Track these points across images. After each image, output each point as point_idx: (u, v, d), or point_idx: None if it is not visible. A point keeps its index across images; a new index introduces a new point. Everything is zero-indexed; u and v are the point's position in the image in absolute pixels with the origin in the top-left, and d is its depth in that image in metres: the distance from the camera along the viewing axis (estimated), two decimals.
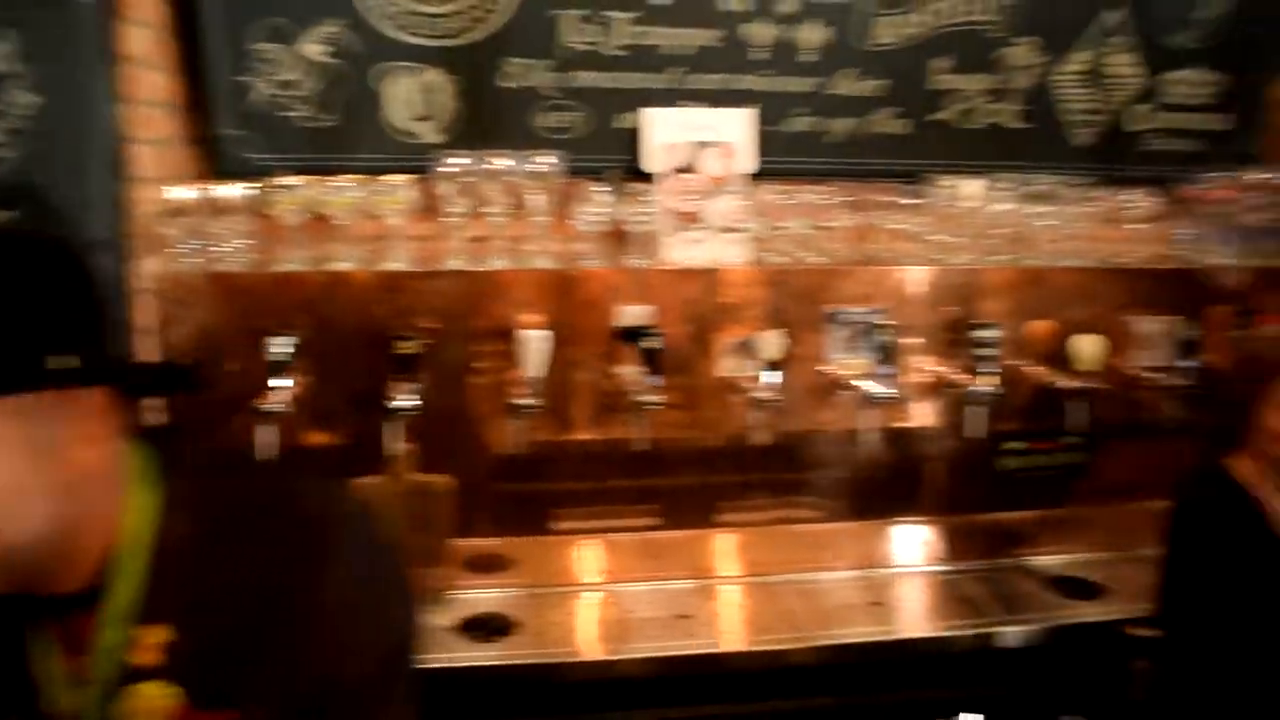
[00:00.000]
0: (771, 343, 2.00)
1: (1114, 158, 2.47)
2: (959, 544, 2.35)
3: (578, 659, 1.90)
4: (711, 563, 2.28)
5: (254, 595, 0.92)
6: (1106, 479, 2.40)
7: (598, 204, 2.11)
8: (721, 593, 2.18)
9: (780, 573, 2.24)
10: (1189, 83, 2.45)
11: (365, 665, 0.94)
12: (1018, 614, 2.10)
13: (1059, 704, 2.04)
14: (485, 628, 1.96)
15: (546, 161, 2.06)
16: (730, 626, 2.04)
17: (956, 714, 2.03)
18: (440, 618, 1.98)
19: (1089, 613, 2.13)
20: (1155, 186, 2.46)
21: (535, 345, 2.05)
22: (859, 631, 2.01)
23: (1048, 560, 2.36)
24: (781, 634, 1.98)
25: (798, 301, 2.21)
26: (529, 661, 1.87)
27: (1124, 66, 2.40)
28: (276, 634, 0.92)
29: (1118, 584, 2.24)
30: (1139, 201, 2.40)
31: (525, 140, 2.18)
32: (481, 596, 2.09)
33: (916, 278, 2.26)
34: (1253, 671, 1.60)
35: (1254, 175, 2.36)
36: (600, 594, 2.16)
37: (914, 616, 2.11)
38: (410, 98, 2.16)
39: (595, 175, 2.15)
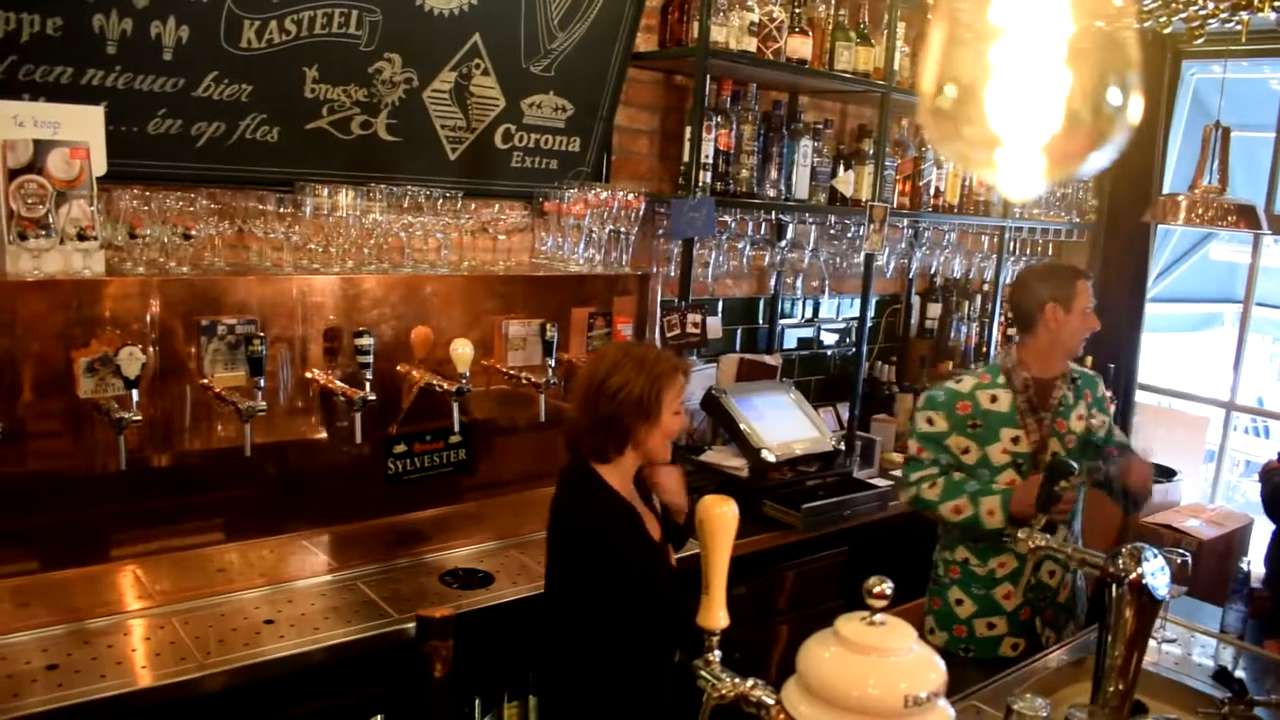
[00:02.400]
0: (132, 359, 2.32)
1: (484, 172, 3.24)
2: (357, 550, 2.91)
3: None
4: (102, 599, 2.53)
5: None
6: (489, 473, 3.14)
7: None
8: (119, 629, 2.46)
9: (181, 601, 2.59)
10: (544, 107, 3.30)
11: None
12: (416, 610, 2.67)
13: (470, 686, 2.69)
14: None
15: None
16: (135, 664, 2.31)
17: (373, 714, 2.56)
18: None
19: (481, 600, 2.80)
20: (522, 200, 3.28)
21: None
22: (268, 649, 2.43)
23: (443, 555, 3.03)
24: (189, 664, 2.32)
25: (170, 313, 2.55)
26: None
27: (487, 89, 3.16)
28: None
29: (506, 570, 2.98)
30: (508, 213, 3.18)
31: None
32: None
33: (295, 287, 2.75)
34: (621, 631, 2.39)
35: (603, 191, 3.28)
36: None
37: (318, 627, 2.57)
38: None
39: None
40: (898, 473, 4.28)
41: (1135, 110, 0.73)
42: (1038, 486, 2.84)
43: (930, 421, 3.08)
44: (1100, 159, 0.74)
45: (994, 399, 3.03)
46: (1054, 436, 3.04)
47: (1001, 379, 3.06)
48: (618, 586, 2.39)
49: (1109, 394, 3.25)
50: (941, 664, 1.36)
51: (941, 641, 3.15)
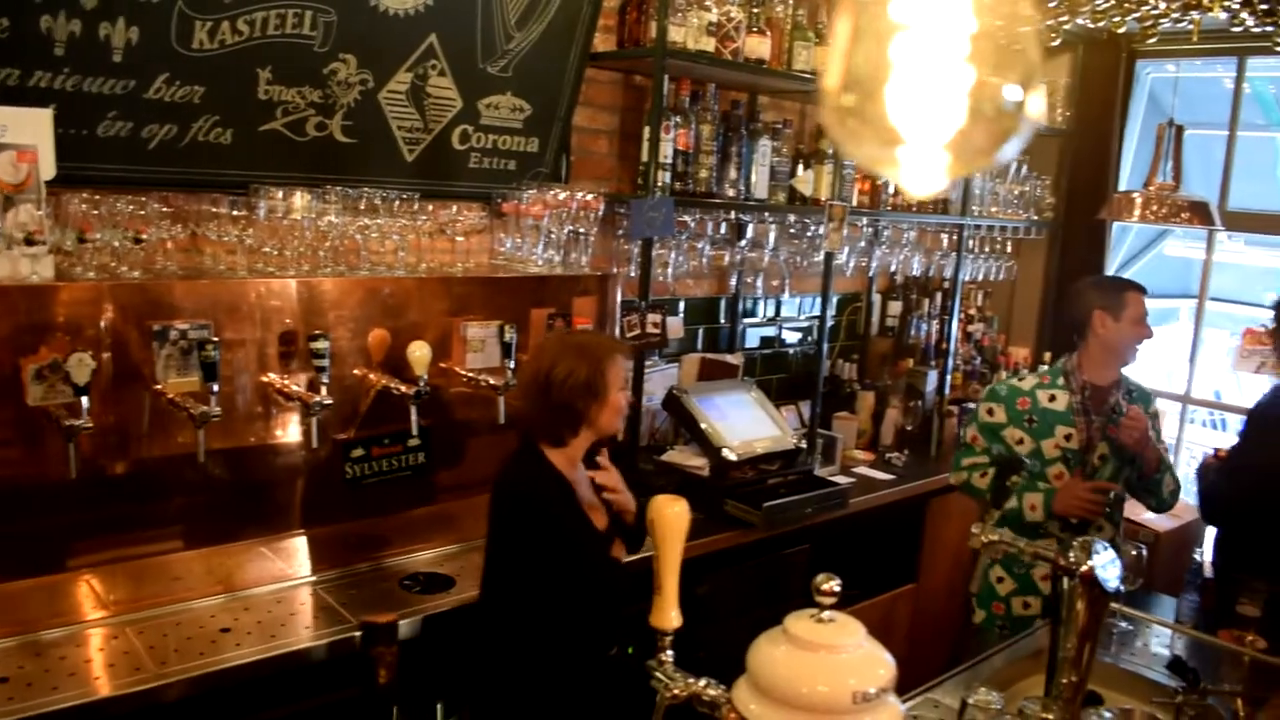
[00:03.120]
0: (82, 365, 2.29)
1: (441, 173, 3.23)
2: (316, 555, 2.90)
3: None
4: (55, 610, 2.50)
5: None
6: (450, 476, 3.14)
7: None
8: (72, 640, 2.44)
9: (136, 610, 2.58)
10: (502, 108, 3.29)
11: None
12: (378, 615, 2.67)
13: (431, 691, 2.69)
14: None
15: None
16: (89, 675, 2.29)
17: None
18: None
19: (443, 603, 2.80)
20: (480, 201, 3.28)
21: None
22: (224, 658, 2.42)
23: (404, 559, 3.03)
24: (143, 674, 2.30)
25: (121, 318, 2.52)
26: None
27: (444, 90, 3.15)
28: None
29: (468, 573, 2.98)
30: (466, 215, 3.17)
31: None
32: None
33: (250, 291, 2.73)
34: (552, 606, 2.50)
35: (562, 192, 3.27)
36: None
37: (275, 634, 2.56)
38: None
39: None
40: (859, 470, 4.36)
41: (1036, 105, 0.74)
42: (1081, 488, 3.16)
43: (990, 412, 3.39)
44: (1005, 153, 0.75)
45: (1052, 398, 3.31)
46: (1104, 440, 3.25)
47: (1061, 381, 3.33)
48: (548, 555, 2.49)
49: (1160, 411, 3.48)
50: (890, 660, 1.37)
51: (980, 619, 3.43)
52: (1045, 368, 3.52)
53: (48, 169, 2.47)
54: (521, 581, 2.54)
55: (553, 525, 2.52)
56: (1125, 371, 3.43)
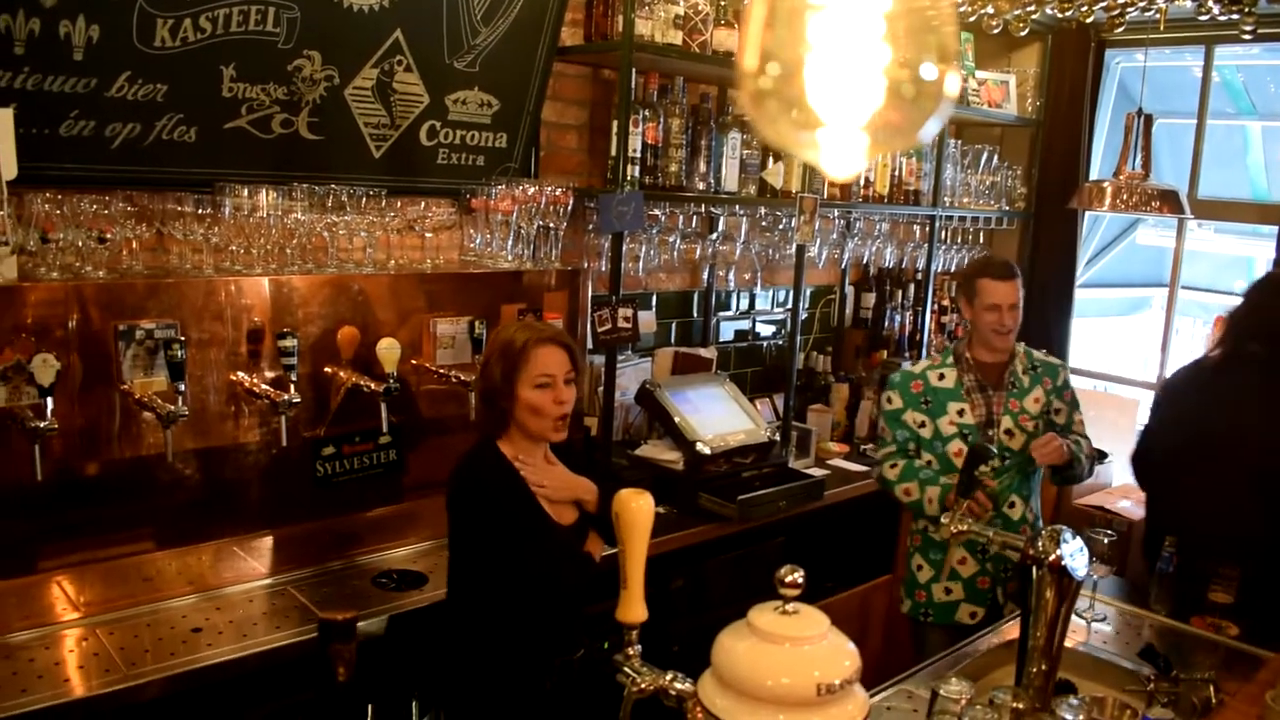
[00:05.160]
0: (46, 366, 2.30)
1: (409, 170, 3.25)
2: (288, 554, 2.92)
3: None
4: (25, 613, 2.52)
5: None
6: (423, 473, 3.16)
7: None
8: (41, 643, 2.46)
9: (107, 612, 2.60)
10: (469, 103, 3.31)
11: None
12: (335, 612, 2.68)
13: (406, 688, 2.71)
14: None
15: None
16: (58, 677, 2.31)
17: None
18: None
19: (416, 600, 2.82)
20: (449, 197, 3.30)
21: None
22: (195, 658, 2.44)
23: (377, 557, 3.05)
24: (113, 675, 2.32)
25: (86, 319, 2.53)
26: None
27: (410, 85, 3.17)
28: None
29: (441, 569, 2.98)
30: (434, 211, 3.19)
31: None
32: None
33: (217, 289, 2.74)
34: (503, 595, 2.48)
35: (531, 187, 3.30)
36: None
37: (246, 634, 2.57)
38: None
39: None
40: (834, 462, 4.40)
41: (953, 84, 0.76)
42: (961, 506, 3.09)
43: (889, 400, 3.49)
44: (924, 134, 0.76)
45: (941, 377, 3.41)
46: (1006, 414, 3.34)
47: (951, 360, 3.43)
48: (498, 548, 2.45)
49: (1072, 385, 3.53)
50: (854, 650, 1.39)
51: (907, 608, 3.52)
52: (940, 353, 3.57)
53: (9, 169, 2.46)
54: (477, 575, 2.52)
55: (498, 517, 2.46)
56: (1027, 346, 3.52)
